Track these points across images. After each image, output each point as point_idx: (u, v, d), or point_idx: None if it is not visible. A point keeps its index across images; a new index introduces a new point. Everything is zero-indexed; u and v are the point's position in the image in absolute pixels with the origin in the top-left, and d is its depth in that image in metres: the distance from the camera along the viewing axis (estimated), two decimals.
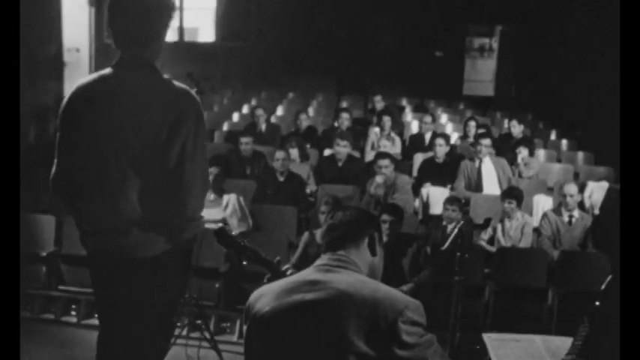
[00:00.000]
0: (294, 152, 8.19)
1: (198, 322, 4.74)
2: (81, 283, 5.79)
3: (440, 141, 8.05)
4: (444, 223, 6.27)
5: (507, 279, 5.85)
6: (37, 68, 9.25)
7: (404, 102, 12.90)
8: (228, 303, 5.74)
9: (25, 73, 8.93)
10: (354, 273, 2.13)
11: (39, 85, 8.89)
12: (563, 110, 11.69)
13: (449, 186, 7.71)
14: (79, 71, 9.55)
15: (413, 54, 13.59)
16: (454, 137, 10.09)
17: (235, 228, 6.32)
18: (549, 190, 7.80)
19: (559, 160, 9.68)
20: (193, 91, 2.69)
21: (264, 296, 2.12)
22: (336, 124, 9.74)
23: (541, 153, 9.71)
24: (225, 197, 6.47)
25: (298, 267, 4.21)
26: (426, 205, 7.44)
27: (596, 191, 7.25)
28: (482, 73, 14.07)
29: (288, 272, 2.60)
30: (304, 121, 9.81)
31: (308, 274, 2.15)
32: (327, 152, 8.63)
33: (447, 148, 8.09)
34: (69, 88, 2.87)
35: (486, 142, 7.75)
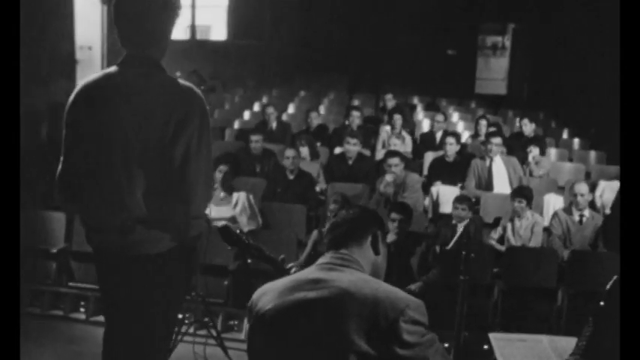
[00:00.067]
0: (305, 150, 8.19)
1: (206, 319, 4.75)
2: (91, 280, 5.82)
3: (450, 140, 8.03)
4: (454, 222, 6.24)
5: (517, 278, 5.83)
6: (50, 66, 9.31)
7: (415, 100, 12.88)
8: (236, 301, 5.75)
9: (38, 70, 9.03)
10: (357, 272, 2.13)
11: (51, 82, 8.95)
12: (576, 109, 11.61)
13: (459, 185, 7.68)
14: (91, 69, 9.58)
15: (425, 52, 13.55)
16: (465, 136, 10.06)
17: (245, 226, 6.34)
18: (560, 190, 7.75)
19: (570, 159, 9.63)
20: (198, 90, 2.70)
21: (267, 294, 2.12)
22: (347, 123, 9.73)
23: (552, 152, 9.67)
24: (235, 195, 6.49)
25: (307, 265, 4.21)
26: (435, 204, 7.42)
27: (608, 190, 7.20)
28: (494, 72, 13.99)
29: (292, 270, 2.61)
30: (315, 120, 9.81)
31: (311, 272, 2.14)
32: (337, 150, 8.63)
33: (457, 147, 8.06)
34: None
35: (497, 140, 7.72)
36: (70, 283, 6.14)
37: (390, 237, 5.65)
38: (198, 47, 14.56)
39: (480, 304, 5.68)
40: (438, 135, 9.55)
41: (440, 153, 8.35)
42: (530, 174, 8.07)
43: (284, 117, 11.15)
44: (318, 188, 7.59)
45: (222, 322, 5.58)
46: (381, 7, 13.51)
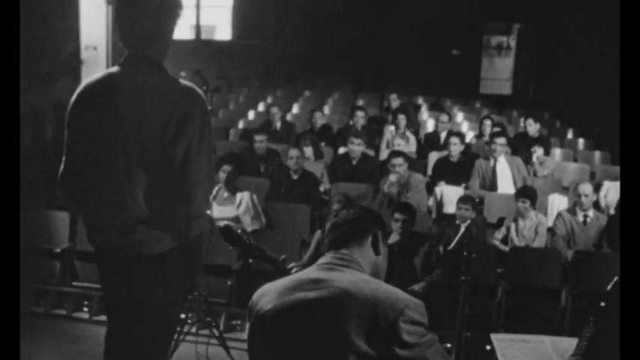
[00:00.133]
0: (309, 150, 8.20)
1: (208, 319, 4.75)
2: (95, 280, 5.82)
3: (454, 140, 8.02)
4: (458, 222, 6.24)
5: (520, 279, 5.82)
6: (55, 66, 9.34)
7: (420, 100, 12.86)
8: (239, 300, 5.75)
9: (43, 71, 9.05)
10: (357, 272, 2.12)
11: (57, 82, 8.98)
12: (581, 109, 11.58)
13: (463, 185, 7.67)
14: (96, 69, 9.60)
15: (430, 52, 13.53)
16: (470, 136, 10.05)
17: (248, 226, 6.34)
18: (564, 190, 7.74)
19: (575, 160, 9.61)
20: (199, 90, 2.70)
21: (267, 294, 2.12)
22: (351, 123, 9.74)
23: (557, 152, 9.65)
24: (239, 195, 6.49)
25: (310, 265, 4.21)
26: (439, 204, 7.41)
27: (612, 191, 7.18)
28: (499, 72, 13.97)
29: (293, 270, 2.61)
30: (319, 120, 9.82)
31: (311, 272, 2.15)
32: (341, 150, 8.63)
33: (461, 147, 8.05)
34: None
35: (501, 140, 7.71)
36: (74, 283, 6.15)
37: (394, 237, 5.65)
38: (203, 47, 14.59)
39: (483, 305, 5.67)
40: (443, 135, 9.53)
41: (444, 153, 8.34)
42: (535, 174, 8.06)
43: (288, 117, 11.16)
44: (322, 188, 7.59)
45: (225, 322, 5.59)
46: (385, 7, 13.50)
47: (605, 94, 10.59)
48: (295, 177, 7.26)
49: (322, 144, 8.97)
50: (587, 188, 6.42)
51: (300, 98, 12.85)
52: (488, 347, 4.38)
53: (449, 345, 4.02)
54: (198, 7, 14.72)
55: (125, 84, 2.63)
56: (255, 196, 6.57)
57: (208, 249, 4.42)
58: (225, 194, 6.49)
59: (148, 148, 2.57)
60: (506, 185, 7.58)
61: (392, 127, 9.43)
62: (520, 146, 8.74)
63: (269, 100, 12.46)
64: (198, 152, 2.60)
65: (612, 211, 6.90)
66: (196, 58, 13.11)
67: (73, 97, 2.71)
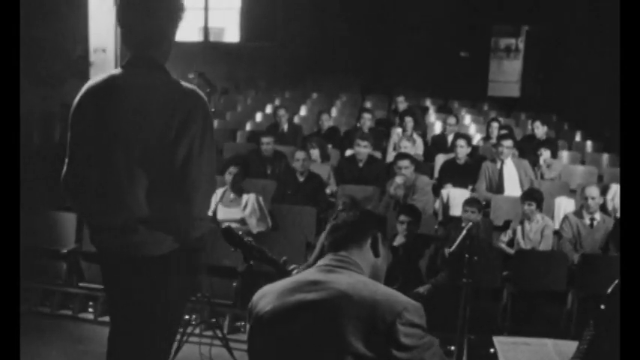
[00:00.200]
0: (315, 152, 8.21)
1: (212, 320, 4.77)
2: (101, 281, 5.83)
3: (461, 142, 8.01)
4: (464, 224, 6.22)
5: (526, 282, 5.80)
6: (64, 68, 9.38)
7: (428, 103, 12.85)
8: (244, 302, 5.76)
9: (53, 73, 9.09)
10: (356, 274, 2.13)
11: (65, 84, 9.03)
12: (589, 111, 11.54)
13: (470, 187, 7.66)
14: (104, 71, 9.57)
15: (438, 54, 13.52)
16: (477, 138, 10.03)
17: (254, 228, 6.34)
18: (572, 193, 7.71)
19: (583, 162, 9.56)
20: (201, 92, 2.71)
21: (267, 296, 2.13)
22: (358, 125, 9.74)
23: (565, 154, 9.61)
24: (245, 197, 6.49)
25: None
26: (446, 207, 7.41)
27: (619, 194, 7.15)
28: (507, 74, 13.95)
29: (294, 272, 2.61)
30: (326, 122, 9.84)
31: (310, 274, 2.15)
32: (348, 153, 8.64)
33: (467, 149, 8.05)
34: None
35: (508, 143, 7.69)
36: (80, 284, 6.17)
37: (399, 239, 5.65)
38: (211, 49, 14.63)
39: (489, 308, 5.66)
40: (450, 137, 9.52)
41: (451, 155, 8.33)
42: (542, 177, 8.03)
43: (296, 119, 11.18)
44: (328, 190, 7.60)
45: (230, 324, 5.60)
46: (393, 10, 13.50)
47: (614, 96, 10.55)
48: (301, 179, 7.26)
49: (329, 146, 8.98)
50: (593, 191, 6.40)
51: (308, 100, 12.87)
52: (492, 350, 4.37)
53: (452, 347, 4.01)
54: (206, 9, 14.78)
55: (127, 85, 2.65)
56: (261, 198, 6.57)
57: (211, 250, 4.43)
58: (232, 196, 6.50)
59: (150, 149, 2.58)
60: (512, 188, 7.56)
61: (399, 130, 9.44)
62: (527, 149, 8.72)
63: (277, 102, 12.49)
64: (199, 154, 2.61)
65: (619, 214, 6.87)
66: (204, 60, 13.13)
67: (76, 99, 2.74)
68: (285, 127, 9.61)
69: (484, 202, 6.83)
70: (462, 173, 7.86)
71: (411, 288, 5.32)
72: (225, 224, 3.05)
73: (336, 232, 2.24)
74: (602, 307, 2.27)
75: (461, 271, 3.31)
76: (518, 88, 13.87)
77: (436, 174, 8.35)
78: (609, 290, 2.31)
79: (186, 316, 4.94)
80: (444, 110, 12.13)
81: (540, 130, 9.43)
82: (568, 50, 12.68)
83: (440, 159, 8.64)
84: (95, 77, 2.77)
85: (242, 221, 6.37)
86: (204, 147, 2.62)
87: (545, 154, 8.20)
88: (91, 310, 5.96)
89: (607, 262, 5.85)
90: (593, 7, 11.69)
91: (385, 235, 2.33)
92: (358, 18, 13.68)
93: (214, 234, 3.74)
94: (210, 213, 6.02)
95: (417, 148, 8.94)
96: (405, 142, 8.51)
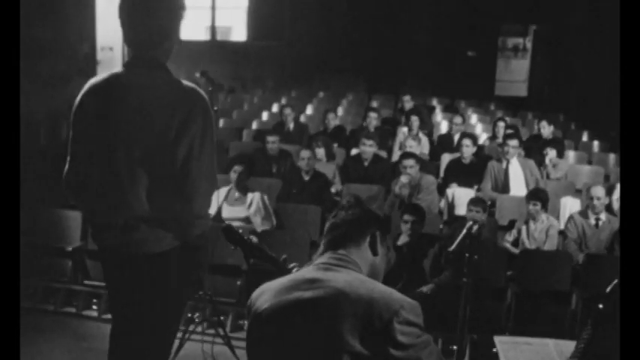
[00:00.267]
0: (321, 152, 8.21)
1: (215, 318, 4.78)
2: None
3: (466, 141, 8.00)
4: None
5: (530, 281, 5.79)
6: (71, 67, 9.43)
7: (434, 102, 12.84)
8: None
9: (60, 71, 9.12)
10: (353, 272, 2.13)
11: (72, 83, 9.06)
12: (596, 111, 11.50)
13: (475, 187, 7.65)
14: (111, 70, 9.66)
15: (445, 54, 13.49)
16: (483, 138, 10.01)
17: (259, 226, 6.35)
18: (578, 192, 7.69)
19: (590, 162, 9.53)
20: (202, 91, 2.72)
21: (265, 293, 2.14)
22: (364, 124, 9.74)
23: (571, 154, 9.58)
24: (250, 195, 6.50)
25: None
26: (451, 206, 7.39)
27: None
28: (515, 73, 13.90)
29: (294, 270, 2.61)
30: (332, 121, 9.83)
31: (308, 272, 2.16)
32: (353, 152, 8.63)
33: (473, 149, 8.03)
34: None
35: (514, 142, 7.67)
36: (85, 281, 6.20)
37: (403, 238, 5.65)
38: (218, 48, 14.65)
39: (493, 307, 5.65)
40: (456, 137, 9.51)
41: (456, 155, 8.32)
42: (548, 176, 8.01)
43: (302, 118, 11.19)
44: (333, 189, 7.59)
45: (232, 322, 5.60)
46: (400, 8, 13.48)
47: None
48: (307, 178, 7.27)
49: (335, 145, 8.98)
50: (599, 191, 6.38)
51: (314, 99, 12.87)
52: (495, 350, 4.37)
53: (454, 347, 4.01)
54: (213, 8, 14.80)
55: (128, 85, 2.67)
56: (266, 197, 6.58)
57: (214, 248, 4.43)
58: (236, 194, 6.51)
59: (150, 148, 2.60)
60: (518, 187, 7.54)
61: (405, 129, 9.43)
62: (533, 148, 8.69)
63: (283, 101, 12.50)
64: (200, 152, 2.62)
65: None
66: (211, 59, 13.16)
67: (78, 98, 2.76)
68: (291, 126, 9.62)
69: (489, 202, 6.82)
70: (468, 173, 7.84)
71: (414, 287, 5.33)
72: (226, 222, 3.06)
73: (334, 231, 2.24)
74: (600, 306, 2.27)
75: (461, 270, 3.31)
76: (526, 87, 13.82)
77: (442, 173, 8.34)
78: (608, 289, 2.31)
79: (189, 314, 4.96)
80: (450, 109, 12.11)
81: (547, 129, 9.40)
82: (575, 50, 12.63)
83: (445, 158, 8.63)
84: (97, 76, 2.79)
85: (247, 220, 6.38)
86: (204, 146, 2.63)
87: (551, 153, 8.17)
88: (95, 307, 5.99)
89: (612, 263, 5.82)
90: (600, 7, 11.64)
91: (384, 234, 2.33)
92: (365, 17, 13.67)
93: (218, 232, 3.75)
94: (214, 211, 6.04)
95: (422, 147, 8.93)
96: (411, 141, 8.50)
